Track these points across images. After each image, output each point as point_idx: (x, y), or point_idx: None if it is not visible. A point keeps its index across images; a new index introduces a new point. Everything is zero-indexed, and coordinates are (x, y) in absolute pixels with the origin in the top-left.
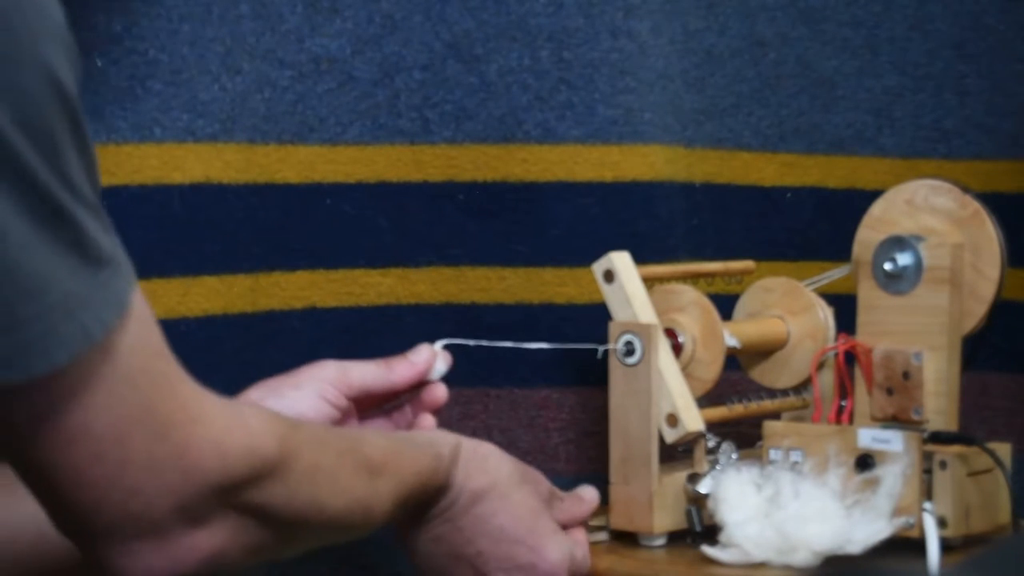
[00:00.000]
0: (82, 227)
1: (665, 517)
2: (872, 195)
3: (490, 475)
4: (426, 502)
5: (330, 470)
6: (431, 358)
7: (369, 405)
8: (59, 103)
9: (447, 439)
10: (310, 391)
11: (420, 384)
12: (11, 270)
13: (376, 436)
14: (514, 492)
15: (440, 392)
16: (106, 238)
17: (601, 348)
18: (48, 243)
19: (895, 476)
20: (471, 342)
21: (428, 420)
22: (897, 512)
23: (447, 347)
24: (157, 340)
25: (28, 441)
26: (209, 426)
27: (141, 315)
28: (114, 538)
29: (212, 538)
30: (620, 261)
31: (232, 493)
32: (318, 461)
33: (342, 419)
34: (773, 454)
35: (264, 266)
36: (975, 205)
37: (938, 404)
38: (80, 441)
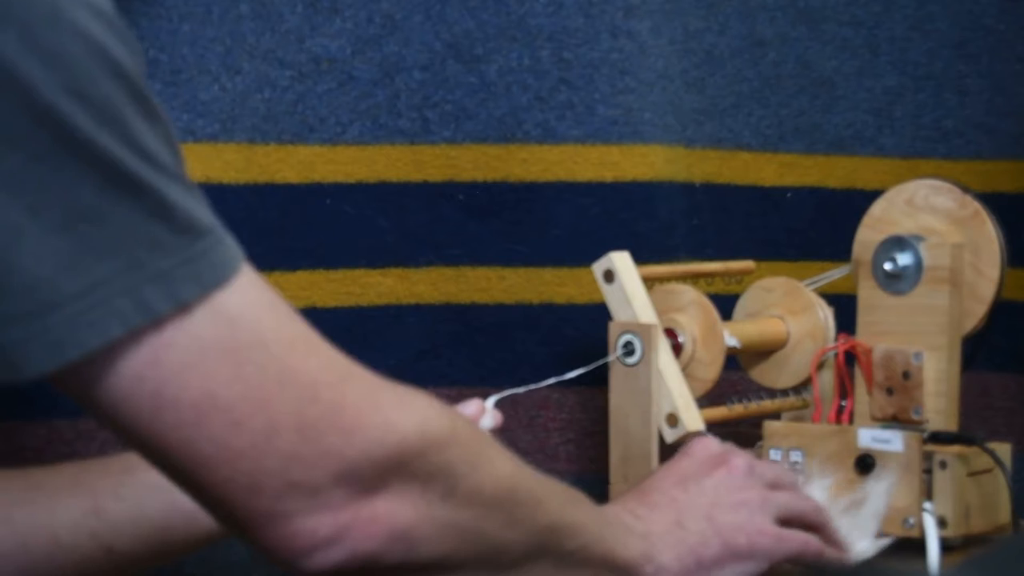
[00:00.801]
0: (164, 196)
1: None
2: (872, 195)
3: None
4: None
5: (503, 458)
6: (478, 412)
7: None
8: (113, 75)
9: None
10: None
11: None
12: (82, 237)
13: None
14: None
15: None
16: (201, 210)
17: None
18: (123, 211)
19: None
20: (520, 389)
21: None
22: (894, 516)
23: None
24: (283, 306)
25: (155, 422)
26: (361, 384)
27: (258, 282)
28: (282, 514)
29: (393, 507)
30: (620, 261)
31: (404, 455)
32: (485, 449)
33: None
34: (773, 454)
35: (264, 266)
36: (975, 205)
37: (938, 404)
38: (210, 411)
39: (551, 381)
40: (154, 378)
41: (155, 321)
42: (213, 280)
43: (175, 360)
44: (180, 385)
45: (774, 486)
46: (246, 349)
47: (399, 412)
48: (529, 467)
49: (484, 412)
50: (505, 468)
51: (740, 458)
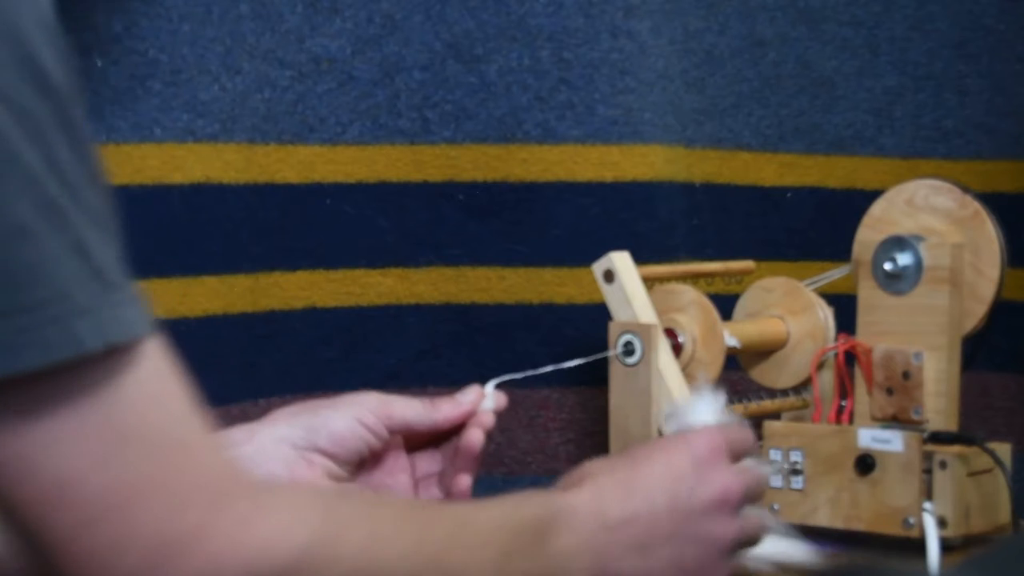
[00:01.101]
0: (83, 234)
1: None
2: (872, 195)
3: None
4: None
5: (388, 540)
6: (477, 399)
7: (417, 442)
8: (39, 86)
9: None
10: (347, 413)
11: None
12: (7, 254)
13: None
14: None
15: (477, 437)
16: (118, 262)
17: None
18: (45, 235)
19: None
20: (519, 375)
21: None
22: (894, 516)
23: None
24: (182, 402)
25: (16, 489)
26: (236, 510)
27: (161, 367)
28: None
29: None
30: (620, 261)
31: None
32: (374, 531)
33: (385, 450)
34: (773, 454)
35: (264, 266)
36: (975, 205)
37: (938, 404)
38: (69, 498)
39: (547, 369)
40: (25, 436)
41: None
42: (115, 336)
43: (45, 424)
44: (43, 455)
45: (750, 525)
46: (120, 439)
47: (273, 543)
48: (436, 514)
49: (484, 397)
50: (401, 552)
51: (737, 482)
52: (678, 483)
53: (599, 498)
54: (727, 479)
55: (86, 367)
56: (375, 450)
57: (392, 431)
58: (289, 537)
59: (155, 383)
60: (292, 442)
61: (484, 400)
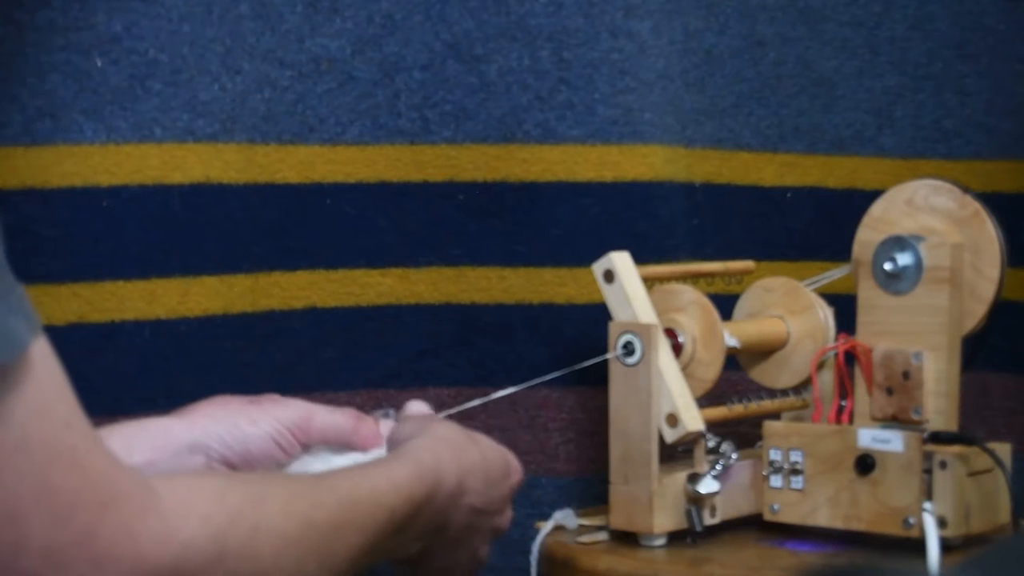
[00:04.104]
0: None
1: (665, 517)
2: (872, 195)
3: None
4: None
5: (274, 530)
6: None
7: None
8: None
9: (420, 444)
10: (265, 431)
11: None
12: None
13: (337, 472)
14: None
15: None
16: None
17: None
18: None
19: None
20: (471, 404)
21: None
22: (894, 516)
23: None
24: (66, 408)
25: None
26: (122, 512)
27: (44, 376)
28: None
29: None
30: (620, 261)
31: None
32: (258, 525)
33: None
34: (773, 454)
35: (264, 266)
36: (975, 205)
37: (938, 404)
38: None
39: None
40: None
41: None
42: None
43: None
44: None
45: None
46: (7, 451)
47: (156, 545)
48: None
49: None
50: (296, 536)
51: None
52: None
53: (460, 473)
54: (514, 475)
55: None
56: (281, 460)
57: (307, 445)
58: (173, 536)
59: (39, 393)
60: (205, 451)
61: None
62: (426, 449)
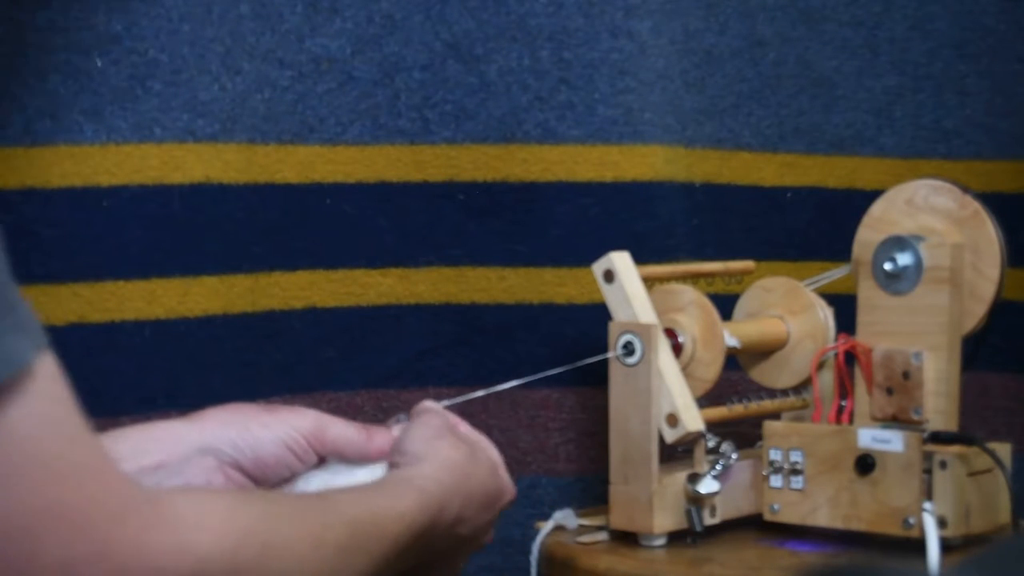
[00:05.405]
0: None
1: (665, 517)
2: (872, 195)
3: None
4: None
5: (286, 547)
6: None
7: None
8: None
9: (426, 472)
10: (278, 436)
11: None
12: None
13: (345, 495)
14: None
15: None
16: None
17: (607, 355)
18: None
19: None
20: (476, 394)
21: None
22: (894, 516)
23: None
24: (72, 424)
25: None
26: (134, 525)
27: (49, 392)
28: None
29: None
30: (620, 261)
31: None
32: (270, 541)
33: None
34: (773, 454)
35: (264, 266)
36: (975, 205)
37: (938, 404)
38: None
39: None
40: None
41: None
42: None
43: None
44: None
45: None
46: (18, 467)
47: (171, 557)
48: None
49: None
50: (308, 557)
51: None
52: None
53: (461, 505)
54: (508, 493)
55: None
56: (296, 471)
57: (322, 455)
58: (189, 551)
59: (47, 407)
60: (216, 454)
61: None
62: (432, 479)
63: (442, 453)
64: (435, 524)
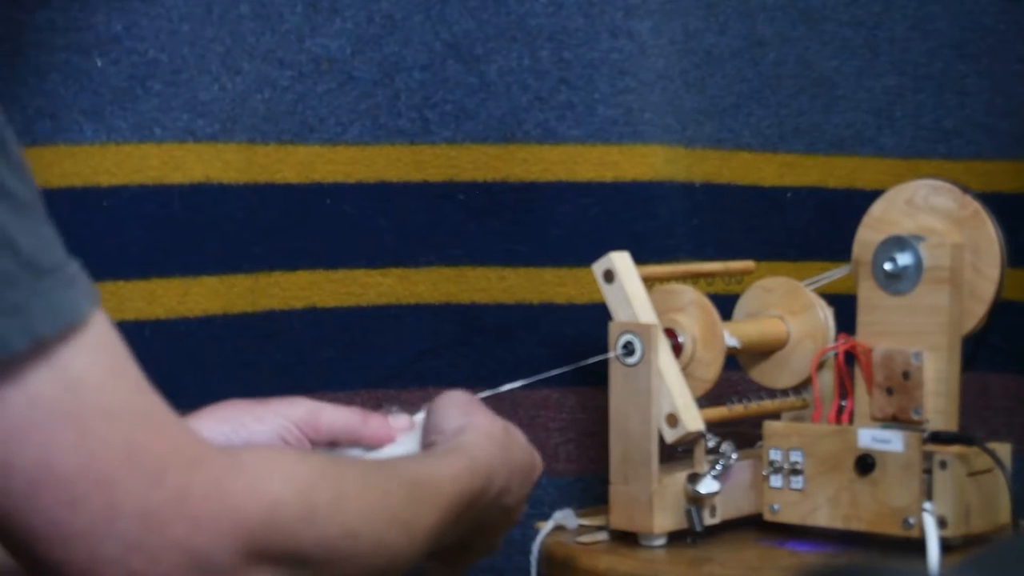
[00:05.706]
0: (5, 224)
1: (665, 517)
2: (872, 195)
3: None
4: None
5: (357, 494)
6: (408, 427)
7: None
8: None
9: (471, 440)
10: (272, 429)
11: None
12: None
13: (399, 460)
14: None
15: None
16: (50, 245)
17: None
18: None
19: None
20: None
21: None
22: (894, 516)
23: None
24: (136, 375)
25: None
26: (209, 470)
27: (109, 343)
28: None
29: None
30: (620, 261)
31: (253, 545)
32: (341, 488)
33: None
34: (773, 454)
35: (264, 266)
36: (975, 205)
37: (938, 404)
38: (46, 483)
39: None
40: None
41: None
42: (45, 328)
43: (9, 418)
44: (13, 449)
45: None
46: (90, 417)
47: (248, 499)
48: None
49: (412, 427)
50: (377, 503)
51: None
52: (525, 465)
53: (508, 474)
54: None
55: (26, 360)
56: None
57: (316, 443)
58: (263, 493)
59: (108, 358)
60: None
61: (412, 430)
62: (479, 447)
63: (482, 425)
64: (485, 492)
